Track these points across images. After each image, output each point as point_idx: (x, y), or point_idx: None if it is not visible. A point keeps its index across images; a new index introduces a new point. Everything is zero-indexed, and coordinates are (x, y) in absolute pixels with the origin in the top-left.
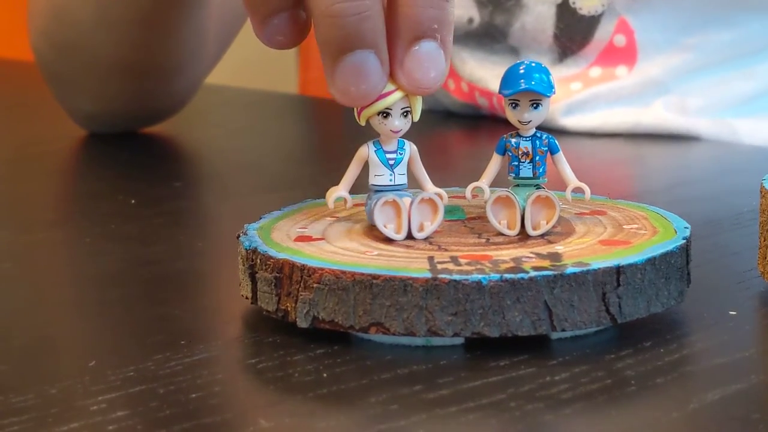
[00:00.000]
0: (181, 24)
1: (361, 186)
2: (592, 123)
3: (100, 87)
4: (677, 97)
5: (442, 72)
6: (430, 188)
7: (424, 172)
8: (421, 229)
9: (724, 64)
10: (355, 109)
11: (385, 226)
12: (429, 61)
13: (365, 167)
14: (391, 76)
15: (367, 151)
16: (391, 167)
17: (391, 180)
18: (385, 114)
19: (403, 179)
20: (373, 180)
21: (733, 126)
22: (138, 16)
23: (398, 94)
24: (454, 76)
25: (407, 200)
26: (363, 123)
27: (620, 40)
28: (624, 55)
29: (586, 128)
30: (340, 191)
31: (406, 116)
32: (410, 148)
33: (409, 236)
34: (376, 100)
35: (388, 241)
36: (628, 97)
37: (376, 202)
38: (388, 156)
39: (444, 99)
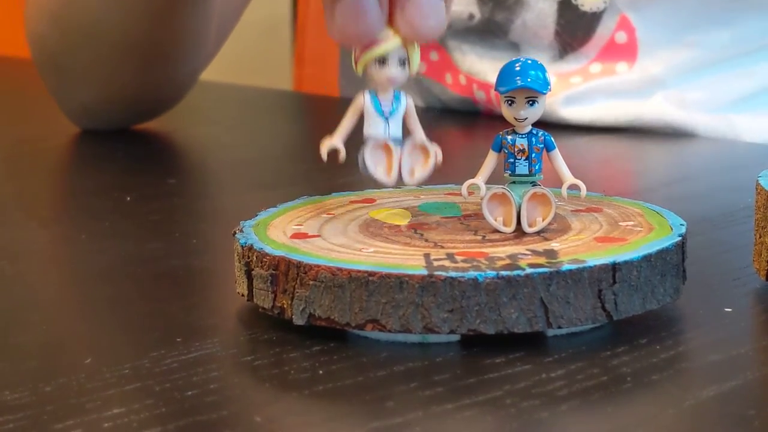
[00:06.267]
0: (190, 11)
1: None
2: (592, 115)
3: (104, 73)
4: (677, 94)
5: (442, 21)
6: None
7: (420, 126)
8: (412, 174)
9: (724, 63)
10: (353, 57)
11: (375, 168)
12: (429, 9)
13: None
14: (391, 22)
15: (363, 99)
16: (386, 118)
17: (385, 131)
18: (382, 61)
19: (398, 132)
20: (368, 130)
21: (732, 121)
22: (150, 2)
23: (396, 42)
24: (452, 69)
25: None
26: (359, 71)
27: (621, 37)
28: (625, 51)
29: (586, 119)
30: (334, 141)
31: (403, 66)
32: (407, 101)
33: (400, 181)
34: (372, 42)
35: (384, 238)
36: (627, 92)
37: (367, 146)
38: (384, 105)
39: (441, 94)
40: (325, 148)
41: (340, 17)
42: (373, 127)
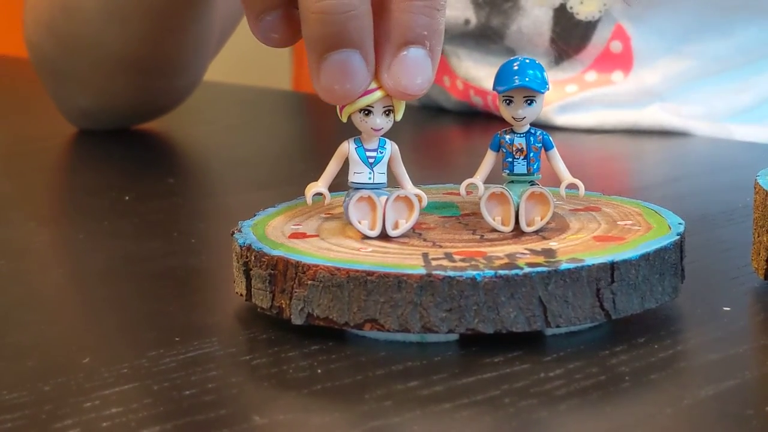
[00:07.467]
0: (191, 21)
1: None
2: (587, 123)
3: (103, 83)
4: (673, 107)
5: (428, 79)
6: (410, 188)
7: (405, 172)
8: (395, 227)
9: (721, 74)
10: (337, 105)
11: (359, 222)
12: (416, 68)
13: (345, 164)
14: (377, 79)
15: (347, 147)
16: (371, 165)
17: (370, 178)
18: (367, 112)
19: (382, 178)
20: (352, 177)
21: (730, 132)
22: (149, 12)
23: (380, 93)
24: (449, 73)
25: (383, 198)
26: (344, 119)
27: (617, 46)
28: (620, 61)
29: (581, 128)
30: (318, 187)
31: (387, 115)
32: (391, 148)
33: (384, 234)
34: (359, 97)
35: (381, 237)
36: (623, 103)
37: (351, 198)
38: (368, 154)
39: (439, 96)
40: (310, 193)
41: (325, 76)
42: (358, 175)
